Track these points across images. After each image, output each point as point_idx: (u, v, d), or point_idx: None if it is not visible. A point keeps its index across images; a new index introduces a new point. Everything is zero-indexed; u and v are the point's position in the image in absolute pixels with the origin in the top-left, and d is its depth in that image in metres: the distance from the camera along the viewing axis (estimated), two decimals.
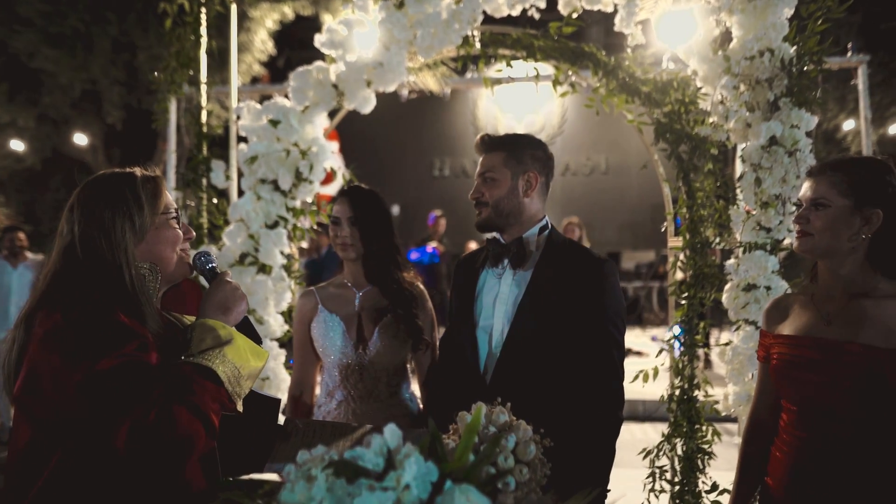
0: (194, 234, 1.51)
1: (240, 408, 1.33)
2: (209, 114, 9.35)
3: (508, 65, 2.86)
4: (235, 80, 3.13)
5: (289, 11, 9.58)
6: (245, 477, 1.37)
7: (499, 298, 1.66)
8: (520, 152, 1.72)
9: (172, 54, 2.87)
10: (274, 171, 2.57)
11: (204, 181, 2.82)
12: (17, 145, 11.27)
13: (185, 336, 1.31)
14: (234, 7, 3.15)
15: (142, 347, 1.20)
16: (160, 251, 1.33)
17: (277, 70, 11.04)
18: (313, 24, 11.20)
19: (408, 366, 2.10)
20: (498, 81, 2.88)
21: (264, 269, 2.59)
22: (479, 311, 1.68)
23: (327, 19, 10.30)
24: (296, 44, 11.56)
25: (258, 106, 2.65)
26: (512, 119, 11.63)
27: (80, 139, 11.29)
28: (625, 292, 9.77)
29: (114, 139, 12.63)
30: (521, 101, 11.24)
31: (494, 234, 1.73)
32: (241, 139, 2.82)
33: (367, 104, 2.70)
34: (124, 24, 8.71)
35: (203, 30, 2.93)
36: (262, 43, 9.48)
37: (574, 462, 1.40)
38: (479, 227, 1.74)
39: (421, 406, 2.10)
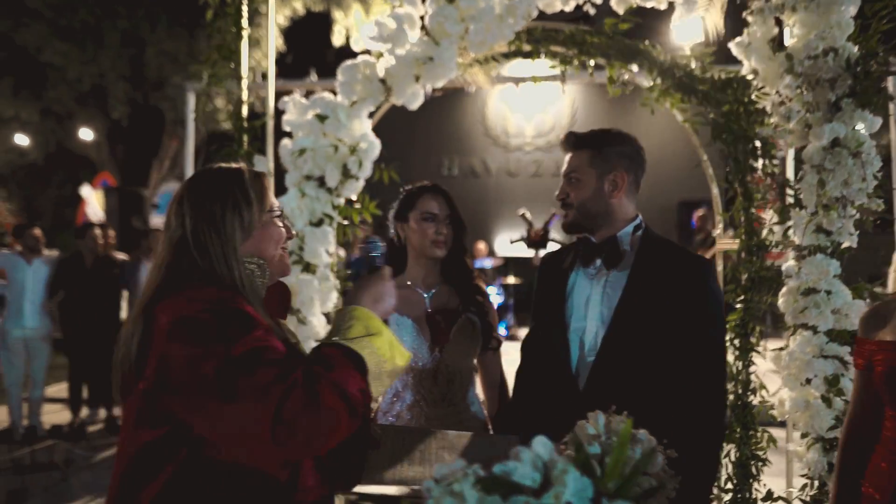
0: (294, 234, 1.47)
1: (374, 405, 1.29)
2: (218, 110, 9.27)
3: (535, 57, 2.78)
4: (273, 75, 3.05)
5: (299, 7, 9.50)
6: (363, 489, 1.32)
7: (591, 300, 1.60)
8: (606, 151, 1.65)
9: (214, 47, 2.80)
10: (321, 168, 2.51)
11: None
12: (21, 140, 11.16)
13: (290, 337, 1.28)
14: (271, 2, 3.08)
15: (269, 333, 1.18)
16: (265, 249, 1.32)
17: (286, 66, 10.95)
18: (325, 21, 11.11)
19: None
20: (553, 78, 2.81)
21: (309, 268, 2.53)
22: (569, 313, 1.63)
23: (338, 16, 10.23)
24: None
25: (304, 101, 2.59)
26: (521, 118, 11.60)
27: (85, 134, 11.18)
28: None
29: (118, 135, 12.52)
30: (531, 100, 11.19)
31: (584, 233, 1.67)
32: (285, 134, 2.75)
33: (416, 100, 2.64)
34: (134, 19, 8.63)
35: (245, 22, 2.85)
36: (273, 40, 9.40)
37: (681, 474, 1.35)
38: (567, 228, 1.69)
39: (485, 410, 2.05)
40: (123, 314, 5.99)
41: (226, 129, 10.42)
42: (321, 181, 2.56)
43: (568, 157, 1.71)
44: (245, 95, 2.81)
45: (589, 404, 1.18)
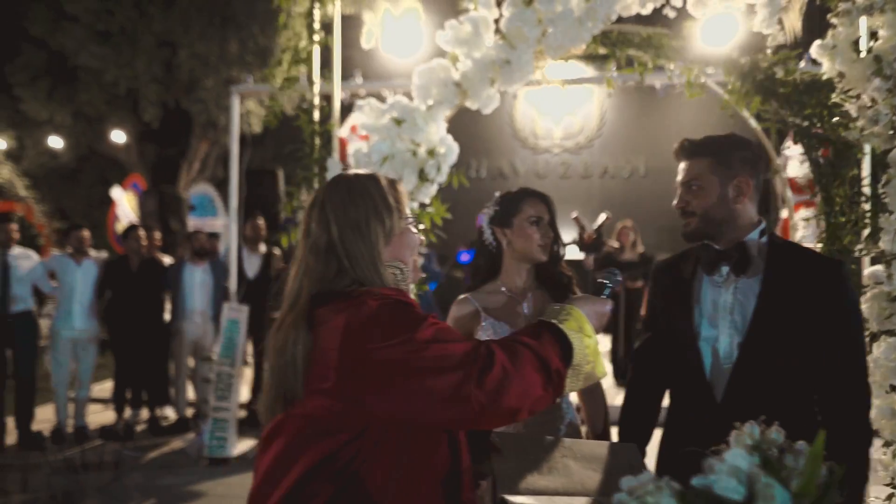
0: (424, 240, 1.48)
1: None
2: (249, 113, 9.31)
3: (611, 61, 2.77)
4: (339, 78, 3.05)
5: (331, 10, 9.52)
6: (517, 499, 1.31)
7: (722, 308, 1.58)
8: (727, 157, 1.62)
9: (286, 50, 2.81)
10: (398, 172, 2.51)
11: (316, 181, 2.75)
12: (55, 142, 11.30)
13: None
14: (338, 3, 3.08)
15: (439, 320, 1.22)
16: (403, 255, 1.34)
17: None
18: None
19: None
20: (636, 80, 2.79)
21: None
22: (697, 321, 1.61)
23: (368, 18, 10.27)
24: None
25: (381, 105, 2.59)
26: (550, 121, 11.55)
27: (117, 137, 11.30)
28: None
29: (146, 137, 12.65)
30: (560, 102, 11.16)
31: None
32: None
33: (491, 103, 2.64)
34: (167, 22, 8.71)
35: (316, 25, 2.86)
36: (305, 41, 9.46)
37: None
38: (688, 237, 1.67)
39: (579, 416, 2.04)
40: (167, 316, 6.02)
41: (255, 133, 10.49)
42: None
43: (685, 164, 1.68)
44: (316, 100, 2.81)
45: (728, 414, 1.17)
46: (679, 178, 1.70)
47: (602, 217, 6.30)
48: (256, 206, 6.45)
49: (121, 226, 11.45)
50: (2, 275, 5.21)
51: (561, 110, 11.46)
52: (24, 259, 5.38)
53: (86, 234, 5.65)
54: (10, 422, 5.42)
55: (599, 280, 1.42)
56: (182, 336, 5.74)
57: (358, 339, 1.15)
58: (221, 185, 12.02)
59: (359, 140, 11.64)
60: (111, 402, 6.39)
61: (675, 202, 1.70)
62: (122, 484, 4.60)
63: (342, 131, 11.14)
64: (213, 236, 6.91)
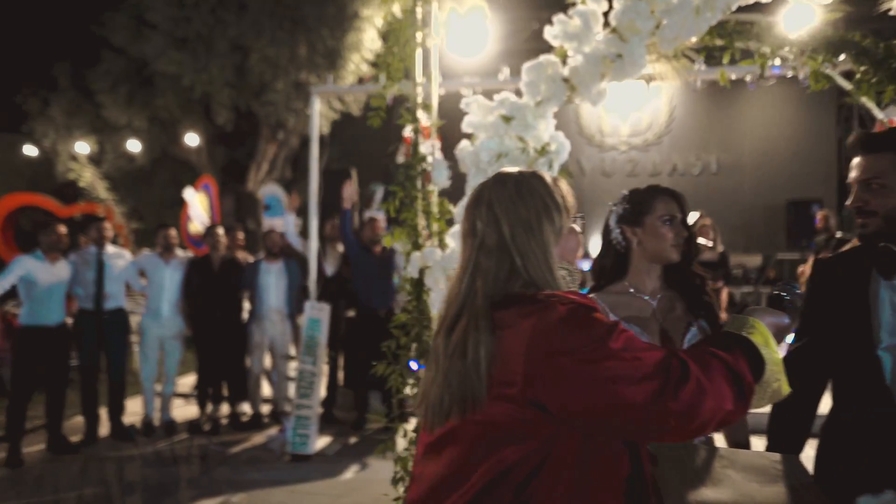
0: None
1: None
2: (308, 116, 9.32)
3: (728, 54, 2.63)
4: (437, 77, 3.02)
5: (397, 10, 9.58)
6: None
7: None
8: None
9: (390, 51, 2.80)
10: None
11: (420, 180, 2.73)
12: (134, 146, 11.75)
13: None
14: (435, 3, 3.06)
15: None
16: (570, 254, 1.31)
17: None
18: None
19: None
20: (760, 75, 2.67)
21: None
22: (876, 328, 1.50)
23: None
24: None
25: (489, 102, 2.55)
26: (617, 118, 11.32)
27: (191, 140, 11.66)
28: (732, 298, 9.35)
29: (217, 139, 13.01)
30: (627, 98, 10.91)
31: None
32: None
33: (601, 98, 2.56)
34: (240, 27, 8.92)
35: (419, 24, 2.84)
36: (371, 42, 9.53)
37: None
38: (867, 238, 1.56)
39: None
40: (245, 315, 6.15)
41: (321, 134, 10.65)
42: None
43: (863, 160, 1.56)
44: (420, 98, 2.78)
45: None
46: (855, 174, 1.58)
47: (694, 216, 6.08)
48: (334, 206, 6.52)
49: (193, 226, 11.83)
50: (97, 273, 5.43)
51: (628, 106, 11.22)
52: (117, 258, 5.59)
53: (172, 232, 5.84)
54: (102, 414, 5.65)
55: (776, 292, 1.34)
56: (258, 334, 5.86)
57: (546, 346, 1.11)
58: (289, 186, 12.27)
59: (423, 139, 11.50)
60: (192, 397, 6.60)
61: (849, 201, 1.58)
62: (211, 478, 4.72)
63: (406, 131, 11.14)
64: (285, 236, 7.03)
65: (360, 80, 10.07)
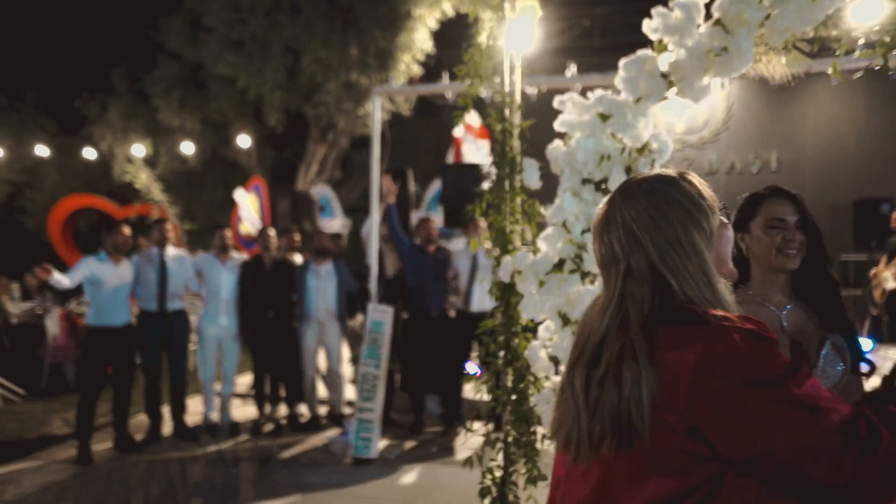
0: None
1: None
2: (367, 115, 9.31)
3: (844, 46, 2.45)
4: (519, 76, 2.92)
5: (448, 9, 9.53)
6: None
7: None
8: None
9: (477, 49, 2.71)
10: (604, 170, 2.35)
11: (507, 182, 2.64)
12: (188, 148, 11.96)
13: None
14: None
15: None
16: (724, 254, 1.18)
17: (430, 70, 11.02)
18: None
19: None
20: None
21: (587, 277, 2.38)
22: None
23: (486, 16, 10.18)
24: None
25: (584, 100, 2.44)
26: (671, 114, 11.01)
27: (244, 141, 11.82)
28: None
29: (266, 141, 13.15)
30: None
31: None
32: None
33: (704, 94, 2.42)
34: (294, 29, 8.96)
35: (506, 22, 2.74)
36: (422, 42, 9.48)
37: None
38: None
39: None
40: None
41: (363, 134, 10.62)
42: (598, 185, 2.41)
43: None
44: (508, 98, 2.68)
45: None
46: None
47: None
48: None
49: (244, 227, 11.99)
50: (160, 274, 5.48)
51: (683, 103, 10.88)
52: (177, 259, 5.64)
53: (228, 233, 5.85)
54: (164, 413, 5.71)
55: None
56: (308, 336, 5.84)
57: (716, 378, 0.99)
58: (338, 187, 12.33)
59: (473, 139, 11.36)
60: (248, 398, 6.64)
61: None
62: (273, 480, 4.71)
63: (456, 131, 11.05)
64: (335, 237, 7.02)
65: (411, 80, 10.04)
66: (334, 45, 9.34)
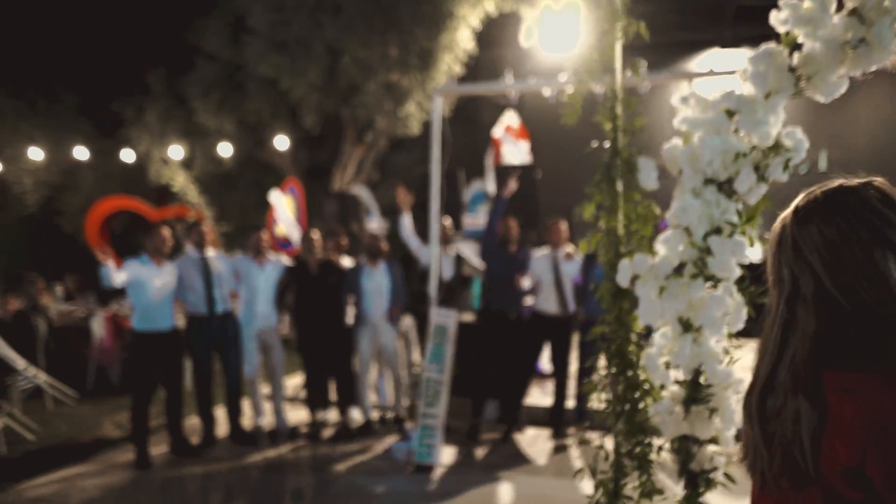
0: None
1: None
2: (409, 117, 9.24)
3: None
4: (620, 73, 2.80)
5: (491, 8, 9.42)
6: None
7: None
8: None
9: (592, 45, 2.59)
10: (731, 170, 2.23)
11: (619, 182, 2.52)
12: (226, 150, 11.98)
13: None
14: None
15: None
16: None
17: (470, 70, 10.91)
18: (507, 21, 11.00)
19: None
20: None
21: (712, 281, 2.25)
22: None
23: (528, 15, 10.06)
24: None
25: (708, 96, 2.32)
26: None
27: (281, 143, 11.80)
28: None
29: (301, 142, 13.14)
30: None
31: None
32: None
33: (837, 90, 2.29)
34: (335, 29, 8.90)
35: (619, 15, 2.62)
36: (465, 41, 9.38)
37: None
38: None
39: None
40: (349, 319, 6.05)
41: (402, 136, 10.54)
42: (721, 185, 2.29)
43: None
44: (620, 93, 2.57)
45: None
46: None
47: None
48: (444, 208, 6.40)
49: (279, 228, 11.98)
50: (205, 276, 5.42)
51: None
52: (217, 261, 5.58)
53: (265, 235, 5.77)
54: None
55: None
56: (364, 339, 5.76)
57: (877, 448, 0.88)
58: (375, 188, 12.27)
59: (513, 140, 11.20)
60: (295, 401, 6.58)
61: None
62: (336, 487, 4.63)
63: (496, 132, 10.88)
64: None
65: (458, 80, 9.93)
66: (374, 45, 9.27)
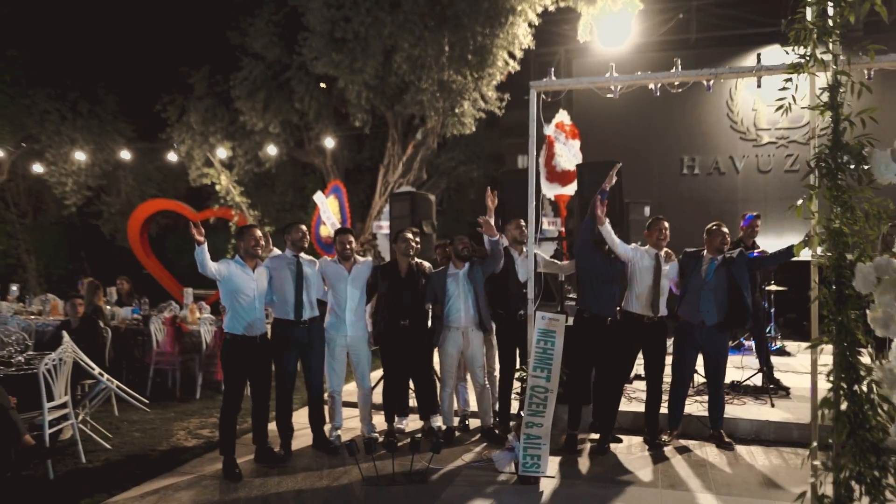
0: None
1: None
2: (464, 113, 8.99)
3: None
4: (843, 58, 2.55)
5: (549, 3, 9.20)
6: None
7: None
8: None
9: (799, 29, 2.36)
10: None
11: (839, 176, 2.29)
12: (271, 150, 11.83)
13: None
14: None
15: None
16: None
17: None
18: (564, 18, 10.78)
19: None
20: None
21: None
22: None
23: (585, 11, 9.83)
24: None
25: None
26: (774, 112, 10.53)
27: (328, 143, 11.64)
28: None
29: (342, 142, 12.97)
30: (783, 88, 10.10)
31: None
32: None
33: None
34: (393, 27, 8.72)
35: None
36: (522, 37, 9.17)
37: None
38: None
39: None
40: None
41: (456, 134, 10.33)
42: None
43: None
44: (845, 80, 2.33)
45: None
46: None
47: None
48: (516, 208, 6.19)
49: (324, 229, 11.81)
50: (296, 279, 5.23)
51: (785, 97, 10.40)
52: (309, 265, 5.39)
53: (350, 237, 5.54)
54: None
55: None
56: (449, 344, 5.55)
57: None
58: (420, 188, 12.08)
59: (565, 139, 10.97)
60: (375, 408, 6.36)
61: None
62: (442, 500, 4.41)
63: (548, 129, 10.65)
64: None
65: (508, 76, 9.73)
66: (428, 42, 9.08)
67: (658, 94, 4.97)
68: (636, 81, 4.87)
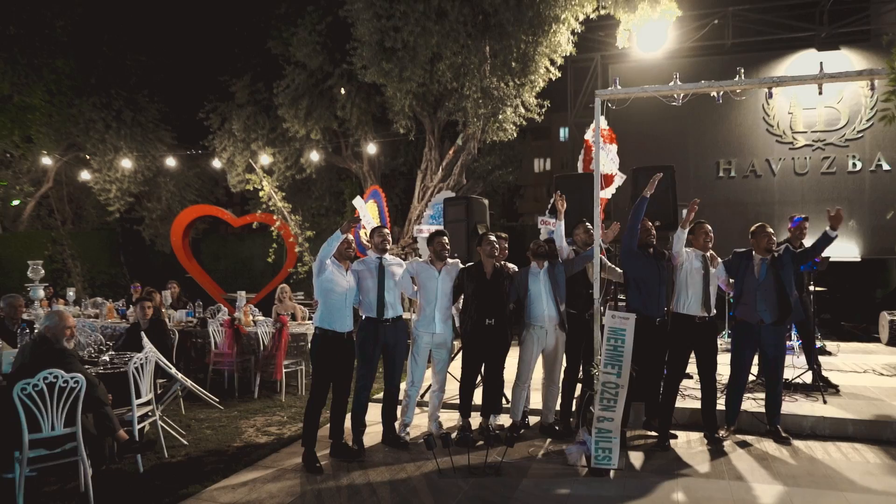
0: None
1: None
2: (506, 120, 9.17)
3: None
4: None
5: (590, 11, 9.39)
6: None
7: None
8: None
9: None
10: None
11: None
12: (314, 156, 12.11)
13: None
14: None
15: None
16: None
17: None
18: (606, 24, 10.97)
19: None
20: None
21: None
22: None
23: (624, 18, 10.02)
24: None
25: None
26: (811, 114, 10.67)
27: (370, 149, 11.89)
28: None
29: (381, 148, 13.22)
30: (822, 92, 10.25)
31: None
32: None
33: None
34: (440, 35, 8.95)
35: None
36: (565, 44, 9.37)
37: None
38: None
39: None
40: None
41: (503, 140, 10.54)
42: None
43: None
44: None
45: None
46: None
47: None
48: (579, 212, 6.39)
49: (364, 234, 12.07)
50: (379, 279, 5.46)
51: (821, 100, 10.55)
52: (395, 265, 5.62)
53: (445, 239, 5.77)
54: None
55: None
56: (530, 342, 5.74)
57: None
58: (459, 192, 12.31)
59: (602, 144, 11.12)
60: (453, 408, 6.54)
61: None
62: (522, 490, 4.61)
63: (588, 134, 10.81)
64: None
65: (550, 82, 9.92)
66: (471, 50, 9.31)
67: (720, 101, 5.16)
68: (700, 89, 5.06)
